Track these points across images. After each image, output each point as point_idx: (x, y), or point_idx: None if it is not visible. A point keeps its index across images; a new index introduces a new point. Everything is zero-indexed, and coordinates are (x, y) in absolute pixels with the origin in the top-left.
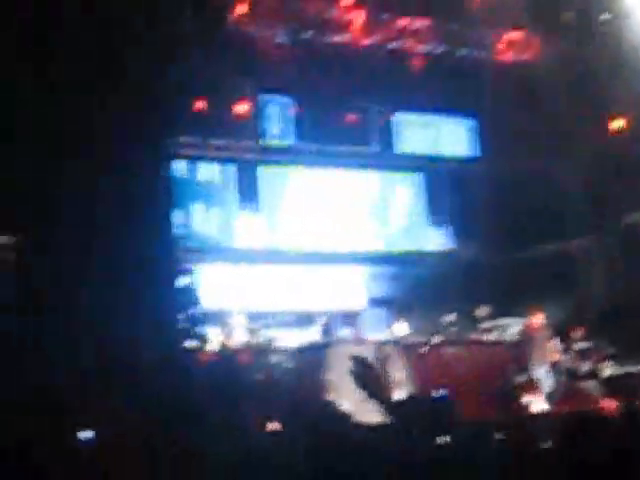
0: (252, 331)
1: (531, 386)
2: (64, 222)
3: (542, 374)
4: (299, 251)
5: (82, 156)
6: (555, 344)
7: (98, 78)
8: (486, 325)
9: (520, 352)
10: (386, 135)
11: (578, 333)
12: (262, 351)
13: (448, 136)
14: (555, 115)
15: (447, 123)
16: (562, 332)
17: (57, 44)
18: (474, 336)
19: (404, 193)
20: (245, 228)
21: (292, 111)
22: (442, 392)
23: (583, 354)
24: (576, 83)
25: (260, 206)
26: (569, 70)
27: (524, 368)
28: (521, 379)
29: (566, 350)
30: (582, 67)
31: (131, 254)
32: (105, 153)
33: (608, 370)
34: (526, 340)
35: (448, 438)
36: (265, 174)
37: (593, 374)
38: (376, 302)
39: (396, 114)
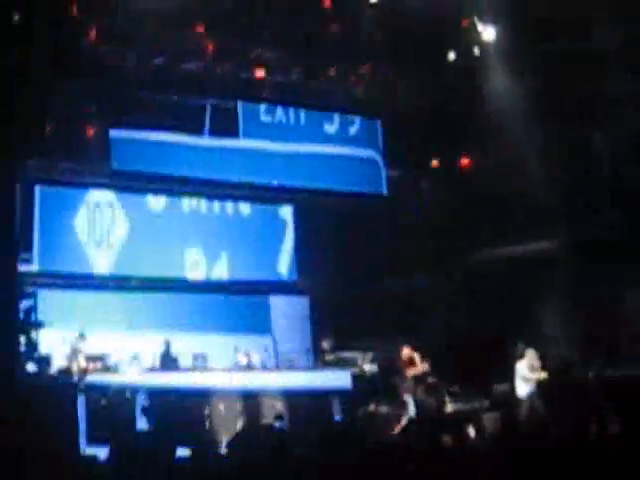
0: (94, 358)
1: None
2: None
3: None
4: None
5: None
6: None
7: None
8: (330, 357)
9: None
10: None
11: (424, 367)
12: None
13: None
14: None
15: None
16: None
17: None
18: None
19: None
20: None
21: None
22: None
23: (430, 387)
24: (429, 116)
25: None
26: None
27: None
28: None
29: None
30: (436, 100)
31: None
32: None
33: (450, 406)
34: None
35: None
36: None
37: (439, 409)
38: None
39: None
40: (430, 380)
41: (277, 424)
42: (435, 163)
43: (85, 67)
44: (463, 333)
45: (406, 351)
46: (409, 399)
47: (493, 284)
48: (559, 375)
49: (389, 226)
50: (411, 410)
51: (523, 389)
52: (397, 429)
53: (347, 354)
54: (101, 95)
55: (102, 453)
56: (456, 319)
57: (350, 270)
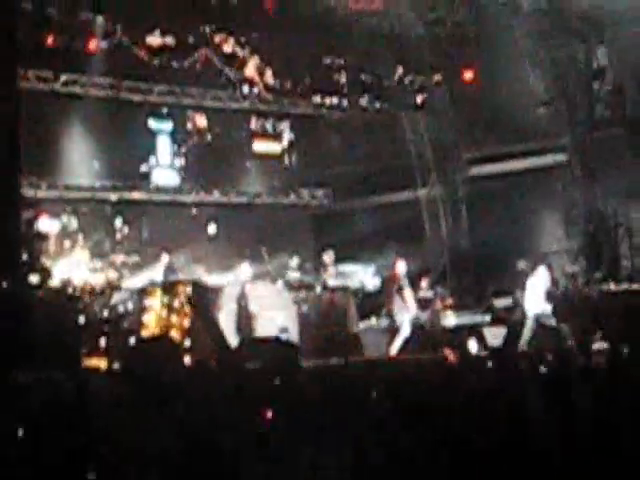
0: (96, 270)
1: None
2: None
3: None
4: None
5: None
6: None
7: None
8: (331, 271)
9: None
10: None
11: (422, 283)
12: (104, 290)
13: None
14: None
15: None
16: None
17: None
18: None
19: None
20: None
21: None
22: (285, 334)
23: (426, 303)
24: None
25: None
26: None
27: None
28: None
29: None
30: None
31: None
32: None
33: (449, 320)
34: (388, 287)
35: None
36: None
37: (433, 323)
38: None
39: None
40: (425, 294)
41: (284, 336)
42: (438, 78)
43: None
44: (465, 248)
45: (401, 265)
46: (403, 315)
47: (496, 199)
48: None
49: (394, 139)
50: (405, 328)
51: (534, 306)
52: (393, 348)
53: (348, 267)
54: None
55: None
56: (458, 233)
57: (352, 183)
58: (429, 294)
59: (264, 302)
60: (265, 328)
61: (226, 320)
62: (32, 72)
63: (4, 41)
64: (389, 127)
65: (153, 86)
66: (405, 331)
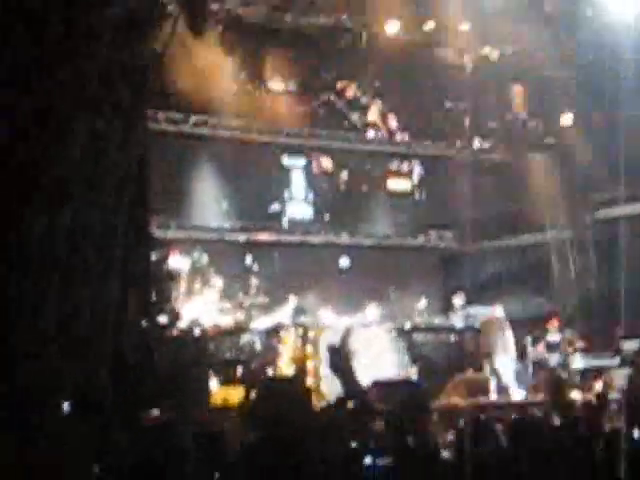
0: (224, 311)
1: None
2: None
3: (505, 363)
4: None
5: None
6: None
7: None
8: (459, 313)
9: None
10: None
11: (550, 325)
12: (233, 331)
13: None
14: None
15: None
16: (536, 323)
17: None
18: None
19: None
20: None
21: None
22: (417, 377)
23: (554, 346)
24: None
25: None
26: None
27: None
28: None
29: (537, 341)
30: None
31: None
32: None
33: (577, 362)
34: (488, 329)
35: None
36: None
37: (564, 365)
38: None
39: None
40: (553, 337)
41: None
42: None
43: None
44: (593, 291)
45: (499, 309)
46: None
47: (624, 242)
48: None
49: (521, 179)
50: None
51: None
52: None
53: (477, 310)
54: None
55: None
56: (587, 276)
57: (481, 225)
58: (557, 337)
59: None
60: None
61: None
62: (162, 114)
63: (135, 83)
64: (517, 169)
65: (282, 128)
66: (504, 375)
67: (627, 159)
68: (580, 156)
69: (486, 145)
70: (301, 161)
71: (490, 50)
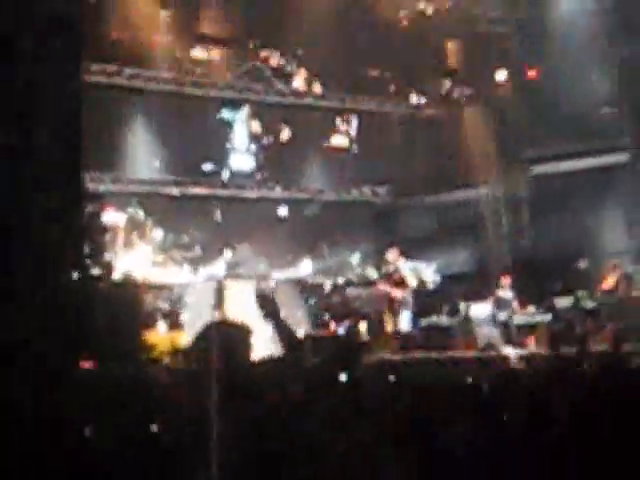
0: (158, 264)
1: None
2: None
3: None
4: None
5: None
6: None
7: None
8: (391, 268)
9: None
10: None
11: (503, 282)
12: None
13: None
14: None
15: None
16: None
17: None
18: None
19: None
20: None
21: None
22: (347, 328)
23: (505, 302)
24: None
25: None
26: None
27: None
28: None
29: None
30: None
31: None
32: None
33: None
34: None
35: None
36: None
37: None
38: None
39: None
40: (505, 294)
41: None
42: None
43: None
44: (526, 247)
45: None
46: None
47: (558, 199)
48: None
49: (455, 134)
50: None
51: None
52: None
53: (409, 265)
54: None
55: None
56: (519, 233)
57: (415, 179)
58: (509, 294)
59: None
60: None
61: None
62: (96, 66)
63: (68, 34)
64: (451, 125)
65: (215, 81)
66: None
67: (560, 115)
68: (514, 112)
69: (422, 101)
70: (241, 113)
71: (425, 5)
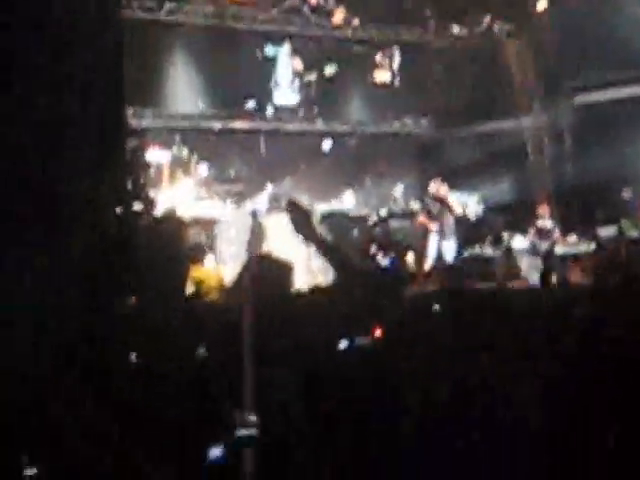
0: (201, 199)
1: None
2: None
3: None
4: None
5: None
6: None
7: None
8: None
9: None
10: None
11: (541, 211)
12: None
13: None
14: None
15: None
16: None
17: None
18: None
19: None
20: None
21: None
22: (390, 260)
23: (545, 232)
24: None
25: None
26: None
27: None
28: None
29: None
30: None
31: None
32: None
33: (561, 248)
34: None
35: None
36: None
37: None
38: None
39: None
40: (544, 224)
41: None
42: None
43: None
44: (569, 177)
45: None
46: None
47: (601, 127)
48: None
49: (497, 64)
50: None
51: None
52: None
53: (452, 196)
54: None
55: None
56: (563, 162)
57: (457, 110)
58: (548, 223)
59: None
60: None
61: None
62: (135, 1)
63: None
64: (492, 55)
65: (257, 14)
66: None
67: (603, 44)
68: (555, 42)
69: (463, 32)
70: (285, 49)
71: None
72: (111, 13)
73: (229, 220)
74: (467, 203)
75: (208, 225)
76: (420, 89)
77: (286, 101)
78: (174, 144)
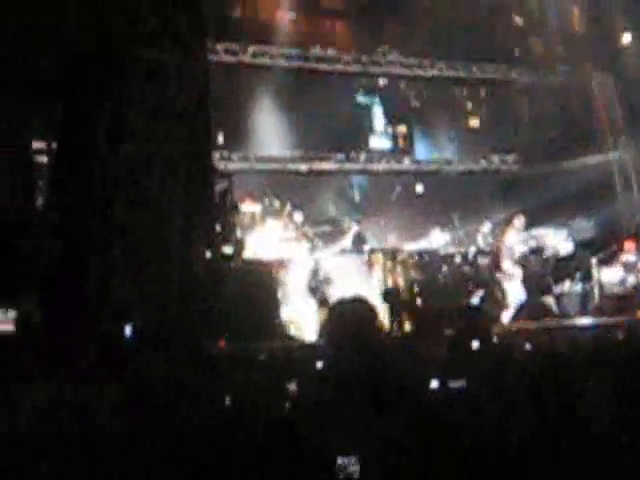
0: (289, 240)
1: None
2: None
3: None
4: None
5: None
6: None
7: None
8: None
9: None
10: None
11: (626, 246)
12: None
13: None
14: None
15: None
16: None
17: None
18: None
19: None
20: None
21: None
22: (476, 300)
23: (631, 266)
24: None
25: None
26: None
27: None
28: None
29: (605, 262)
30: None
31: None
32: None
33: None
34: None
35: (481, 344)
36: None
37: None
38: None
39: None
40: (629, 258)
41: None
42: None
43: None
44: None
45: None
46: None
47: None
48: None
49: (582, 100)
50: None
51: None
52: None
53: (540, 232)
54: None
55: None
56: None
57: (542, 147)
58: (633, 257)
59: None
60: None
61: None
62: (220, 45)
63: (192, 15)
64: (578, 91)
65: (341, 55)
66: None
67: None
68: None
69: (548, 67)
70: (375, 98)
71: None
72: (196, 56)
73: (321, 261)
74: (552, 239)
75: (297, 267)
76: (506, 126)
77: (381, 145)
78: (265, 195)
